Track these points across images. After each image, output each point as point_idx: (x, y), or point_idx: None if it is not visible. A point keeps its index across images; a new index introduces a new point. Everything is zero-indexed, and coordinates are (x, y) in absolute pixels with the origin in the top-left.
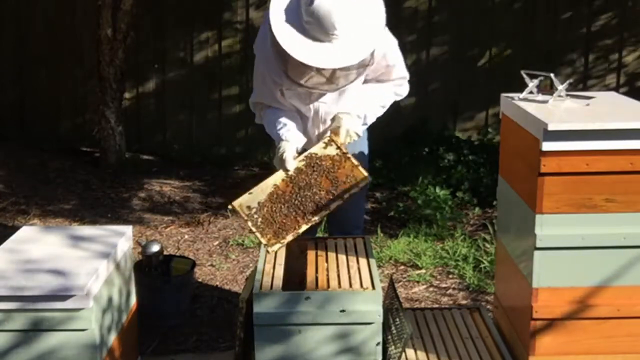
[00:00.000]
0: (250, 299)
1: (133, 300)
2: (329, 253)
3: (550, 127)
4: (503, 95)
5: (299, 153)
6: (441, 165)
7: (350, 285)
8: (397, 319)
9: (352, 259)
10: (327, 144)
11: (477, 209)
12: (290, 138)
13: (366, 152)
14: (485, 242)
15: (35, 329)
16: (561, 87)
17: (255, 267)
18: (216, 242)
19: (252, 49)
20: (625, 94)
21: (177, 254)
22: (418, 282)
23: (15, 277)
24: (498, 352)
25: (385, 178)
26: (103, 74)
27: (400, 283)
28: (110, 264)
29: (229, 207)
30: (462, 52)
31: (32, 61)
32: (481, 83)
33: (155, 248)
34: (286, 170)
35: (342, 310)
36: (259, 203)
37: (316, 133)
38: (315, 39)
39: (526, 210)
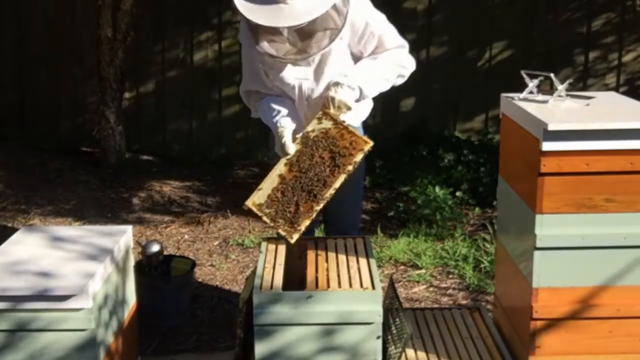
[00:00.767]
0: (250, 299)
1: (133, 300)
2: (329, 253)
3: (550, 127)
4: (503, 95)
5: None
6: (441, 165)
7: (350, 285)
8: (397, 319)
9: (352, 259)
10: (320, 119)
11: (477, 209)
12: (286, 124)
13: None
14: (485, 242)
15: (34, 329)
16: (561, 87)
17: (255, 267)
18: (216, 242)
19: None
20: (625, 93)
21: (177, 254)
22: (418, 282)
23: (14, 277)
24: (498, 352)
25: (385, 178)
26: (103, 74)
27: (400, 283)
28: (110, 264)
29: (244, 207)
30: (462, 52)
31: (32, 61)
32: (481, 83)
33: (155, 248)
34: (286, 156)
35: (342, 310)
36: (269, 197)
37: (304, 113)
38: (271, 1)
39: (526, 210)
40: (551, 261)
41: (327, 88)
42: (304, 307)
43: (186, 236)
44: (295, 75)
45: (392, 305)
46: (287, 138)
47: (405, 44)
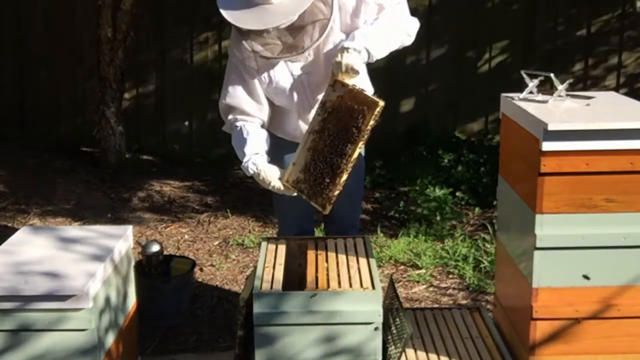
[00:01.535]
0: (250, 299)
1: (133, 300)
2: (329, 253)
3: (550, 127)
4: (503, 95)
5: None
6: (441, 165)
7: (350, 285)
8: (397, 319)
9: (352, 259)
10: (333, 86)
11: (477, 209)
12: (263, 166)
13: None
14: (485, 242)
15: (35, 329)
16: (561, 87)
17: (255, 267)
18: (216, 242)
19: None
20: (625, 95)
21: (177, 254)
22: (418, 282)
23: (14, 277)
24: (498, 352)
25: (385, 178)
26: (103, 74)
27: (400, 283)
28: (109, 264)
29: (281, 181)
30: (462, 53)
31: (32, 61)
32: (481, 83)
33: (155, 248)
34: (279, 190)
35: (342, 310)
36: (301, 171)
37: (300, 105)
38: (254, 2)
39: (526, 210)
40: (551, 261)
41: (335, 54)
42: (304, 307)
43: (186, 236)
44: (294, 72)
45: (392, 305)
46: (274, 181)
47: (415, 22)
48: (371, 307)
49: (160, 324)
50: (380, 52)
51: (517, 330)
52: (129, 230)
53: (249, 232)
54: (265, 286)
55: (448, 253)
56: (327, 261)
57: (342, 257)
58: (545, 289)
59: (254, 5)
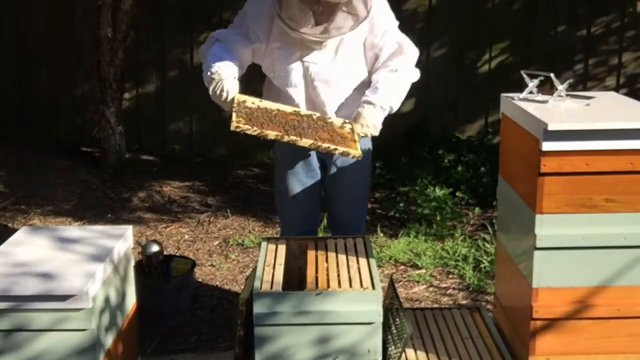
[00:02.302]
0: (250, 299)
1: (133, 300)
2: (329, 253)
3: (550, 127)
4: (503, 95)
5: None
6: (441, 165)
7: (350, 285)
8: (397, 319)
9: (352, 259)
10: (344, 123)
11: (477, 209)
12: (227, 75)
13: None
14: (485, 242)
15: (34, 329)
16: (561, 87)
17: (255, 267)
18: (216, 242)
19: None
20: (625, 95)
21: (177, 254)
22: (418, 282)
23: (14, 277)
24: (498, 352)
25: (385, 178)
26: (103, 74)
27: (400, 283)
28: (109, 264)
29: (229, 90)
30: (462, 53)
31: (32, 61)
32: (481, 83)
33: (155, 248)
34: (228, 103)
35: (342, 310)
36: (255, 104)
37: (303, 95)
38: None
39: (526, 210)
40: (551, 261)
41: (360, 106)
42: (304, 307)
43: (186, 236)
44: (304, 57)
45: (392, 305)
46: (228, 85)
47: (416, 50)
48: (371, 307)
49: (160, 324)
50: (398, 105)
51: (517, 330)
52: (128, 230)
53: (249, 232)
54: (265, 286)
55: (448, 253)
56: (327, 261)
57: (342, 257)
58: (545, 289)
59: None
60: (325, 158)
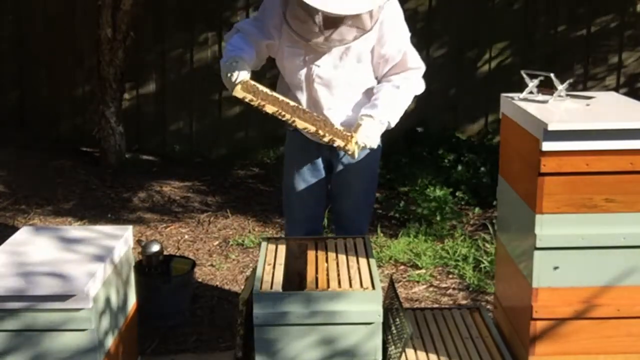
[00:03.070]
0: (250, 299)
1: (133, 300)
2: (329, 253)
3: (550, 127)
4: (503, 95)
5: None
6: (441, 165)
7: (350, 285)
8: (397, 319)
9: (352, 259)
10: (346, 131)
11: (477, 209)
12: (242, 64)
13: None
14: (485, 242)
15: (35, 329)
16: (561, 87)
17: (255, 267)
18: (216, 242)
19: None
20: (625, 95)
21: (177, 254)
22: (418, 282)
23: (14, 277)
24: (498, 352)
25: (385, 178)
26: (103, 74)
27: (400, 283)
28: (109, 264)
29: (240, 73)
30: (462, 53)
31: (32, 61)
32: (481, 83)
33: (155, 248)
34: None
35: (342, 310)
36: (261, 88)
37: (305, 96)
38: None
39: (526, 210)
40: (551, 261)
41: (360, 118)
42: (304, 307)
43: (186, 236)
44: (308, 59)
45: (392, 305)
46: (240, 68)
47: (423, 66)
48: (371, 307)
49: (160, 324)
50: (396, 121)
51: (517, 330)
52: (129, 230)
53: (249, 232)
54: (265, 286)
55: (448, 253)
56: (327, 261)
57: (342, 257)
58: (545, 289)
59: None
60: (332, 158)
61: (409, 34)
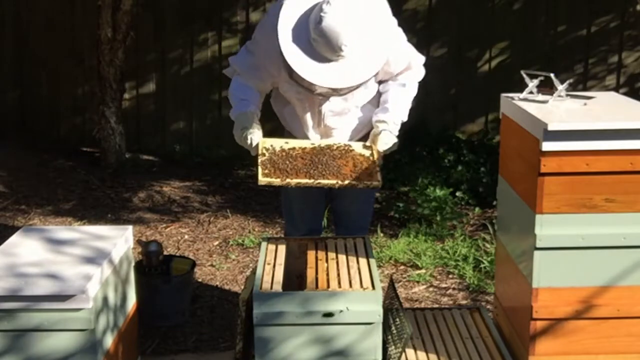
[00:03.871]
0: (250, 299)
1: (133, 300)
2: (329, 253)
3: (550, 127)
4: (503, 95)
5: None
6: (441, 165)
7: (350, 285)
8: (397, 319)
9: (352, 259)
10: (365, 146)
11: (477, 209)
12: (255, 125)
13: None
14: (485, 242)
15: (35, 329)
16: (561, 87)
17: (255, 267)
18: (216, 242)
19: None
20: (625, 94)
21: (177, 254)
22: (418, 282)
23: (14, 277)
24: (498, 352)
25: (385, 178)
26: (103, 74)
27: (400, 283)
28: (109, 264)
29: (255, 143)
30: (462, 53)
31: (32, 61)
32: (481, 83)
33: (155, 248)
34: (254, 149)
35: (342, 310)
36: (276, 148)
37: (311, 124)
38: (321, 56)
39: (526, 210)
40: (551, 261)
41: (376, 125)
42: (304, 307)
43: (186, 236)
44: (317, 99)
45: (392, 305)
46: (255, 139)
47: (421, 56)
48: (371, 307)
49: (160, 324)
50: (406, 118)
51: (517, 330)
52: (129, 230)
53: (249, 232)
54: (265, 286)
55: (448, 253)
56: (327, 261)
57: (342, 257)
58: (545, 289)
59: (320, 56)
60: None
61: (404, 35)
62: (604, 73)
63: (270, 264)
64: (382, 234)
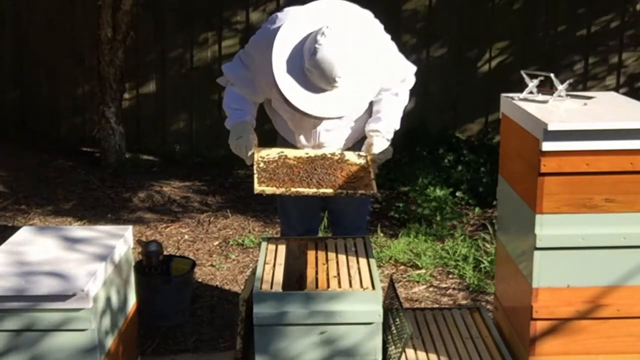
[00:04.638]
0: (250, 299)
1: (133, 300)
2: (329, 253)
3: (550, 127)
4: (503, 95)
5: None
6: (441, 165)
7: (350, 285)
8: (397, 319)
9: (352, 259)
10: (359, 156)
11: (477, 209)
12: (250, 135)
13: None
14: (485, 242)
15: (35, 329)
16: (561, 87)
17: (255, 267)
18: (216, 242)
19: None
20: (625, 94)
21: (177, 254)
22: (418, 282)
23: (14, 276)
24: (498, 352)
25: (385, 178)
26: (103, 74)
27: (400, 283)
28: (110, 264)
29: (250, 152)
30: (462, 53)
31: (32, 61)
32: (481, 83)
33: (155, 248)
34: (249, 158)
35: (342, 310)
36: (272, 157)
37: (304, 140)
38: (316, 86)
39: (526, 210)
40: (551, 261)
41: (369, 136)
42: (304, 307)
43: (186, 236)
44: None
45: (392, 305)
46: (250, 146)
47: (413, 66)
48: (371, 307)
49: (160, 324)
50: (398, 127)
51: (517, 330)
52: (129, 230)
53: (249, 232)
54: (265, 286)
55: (448, 253)
56: (327, 261)
57: (342, 257)
58: (545, 289)
59: (314, 86)
60: None
61: (394, 46)
62: (604, 73)
63: (270, 264)
64: (382, 234)
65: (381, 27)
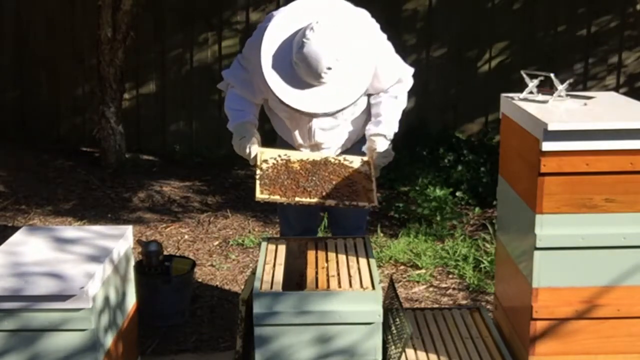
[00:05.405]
0: (250, 299)
1: (133, 300)
2: (329, 253)
3: (550, 127)
4: (503, 95)
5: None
6: (441, 165)
7: (350, 285)
8: (397, 319)
9: (352, 259)
10: (362, 164)
11: (477, 209)
12: (253, 135)
13: None
14: (485, 242)
15: (35, 329)
16: (561, 87)
17: (255, 267)
18: (216, 242)
19: None
20: (625, 94)
21: (177, 254)
22: (418, 282)
23: (14, 277)
24: (498, 352)
25: (385, 178)
26: (103, 74)
27: (400, 283)
28: (109, 264)
29: (254, 154)
30: (462, 53)
31: (32, 61)
32: (481, 83)
33: (155, 248)
34: (252, 159)
35: (342, 310)
36: (274, 160)
37: (301, 140)
38: (303, 81)
39: (526, 210)
40: (551, 261)
41: (370, 140)
42: (304, 307)
43: (186, 236)
44: (307, 118)
45: (392, 305)
46: (254, 150)
47: (410, 68)
48: (371, 307)
49: (160, 324)
50: (397, 129)
51: (517, 330)
52: (128, 230)
53: (249, 232)
54: (265, 286)
55: (448, 253)
56: (327, 261)
57: (342, 257)
58: (545, 289)
59: (302, 81)
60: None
61: (391, 46)
62: (604, 73)
63: (270, 264)
64: (382, 234)
65: (377, 26)
